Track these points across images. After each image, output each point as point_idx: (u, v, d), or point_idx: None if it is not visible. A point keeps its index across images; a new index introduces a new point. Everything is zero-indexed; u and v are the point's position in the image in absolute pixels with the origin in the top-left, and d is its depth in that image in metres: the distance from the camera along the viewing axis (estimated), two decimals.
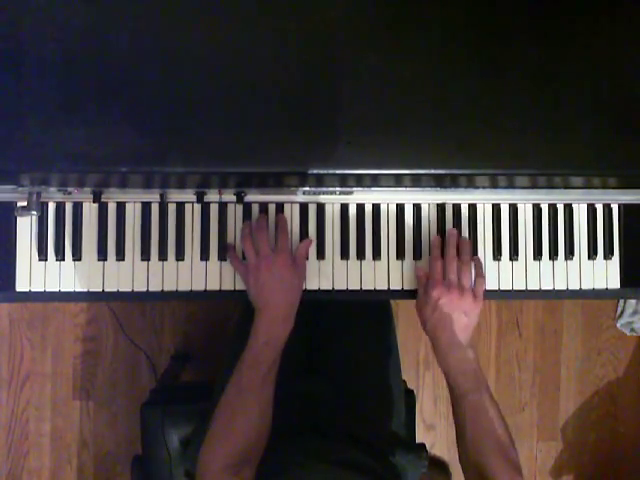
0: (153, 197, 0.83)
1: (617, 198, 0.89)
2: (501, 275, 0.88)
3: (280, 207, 0.85)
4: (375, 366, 1.01)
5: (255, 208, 0.85)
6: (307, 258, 0.84)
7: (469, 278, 0.81)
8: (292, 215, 0.86)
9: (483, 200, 0.88)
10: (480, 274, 0.83)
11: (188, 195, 0.83)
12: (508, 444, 0.73)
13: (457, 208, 0.87)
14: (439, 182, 0.82)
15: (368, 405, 0.96)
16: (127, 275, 0.83)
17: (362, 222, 0.86)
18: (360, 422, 0.92)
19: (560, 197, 0.88)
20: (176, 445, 1.07)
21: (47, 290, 0.83)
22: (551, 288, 0.89)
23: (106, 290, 0.83)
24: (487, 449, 0.72)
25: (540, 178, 0.80)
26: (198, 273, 0.84)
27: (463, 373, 0.77)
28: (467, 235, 0.88)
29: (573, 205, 0.89)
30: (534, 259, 0.89)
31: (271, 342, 0.76)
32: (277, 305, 0.78)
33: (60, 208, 0.82)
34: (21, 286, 0.82)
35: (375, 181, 0.81)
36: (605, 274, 0.90)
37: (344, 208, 0.86)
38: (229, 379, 0.76)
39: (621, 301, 1.70)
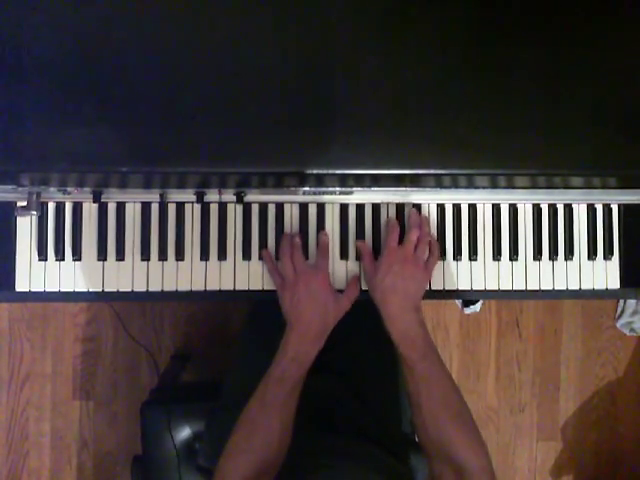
0: (153, 197, 0.83)
1: (617, 198, 0.89)
2: (501, 275, 0.88)
3: (280, 207, 0.85)
4: (383, 364, 1.02)
5: (255, 208, 0.85)
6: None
7: (424, 251, 0.82)
8: (292, 215, 0.86)
9: (483, 200, 0.88)
10: (434, 254, 0.83)
11: (188, 195, 0.83)
12: (465, 413, 0.73)
13: (457, 208, 0.87)
14: (439, 182, 0.82)
15: (380, 404, 0.97)
16: (127, 275, 0.83)
17: (362, 222, 0.86)
18: (373, 420, 0.92)
19: (560, 197, 0.88)
20: (180, 444, 1.07)
21: (47, 290, 0.83)
22: (551, 288, 0.89)
23: (106, 290, 0.83)
24: (445, 421, 0.71)
25: (540, 178, 0.80)
26: (198, 273, 0.84)
27: (413, 339, 0.76)
28: (467, 235, 0.88)
29: (573, 205, 0.89)
30: (534, 259, 0.89)
31: (298, 359, 0.76)
32: (309, 322, 0.77)
33: (60, 208, 0.82)
34: (21, 286, 0.82)
35: (375, 181, 0.81)
36: (605, 274, 0.90)
37: (344, 208, 0.86)
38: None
39: (621, 301, 1.70)
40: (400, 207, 0.87)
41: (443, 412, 0.72)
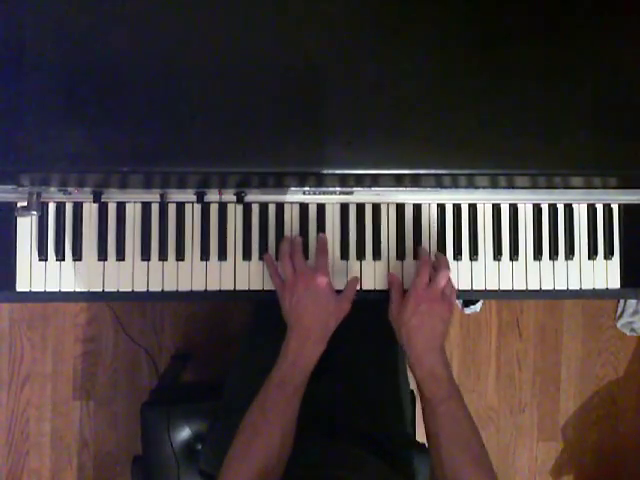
0: (153, 197, 0.83)
1: (617, 198, 0.89)
2: (501, 275, 0.88)
3: (280, 207, 0.85)
4: (384, 366, 1.01)
5: (255, 208, 0.85)
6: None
7: (449, 286, 0.80)
8: (292, 215, 0.86)
9: (483, 200, 0.88)
10: (451, 282, 0.82)
11: (188, 195, 0.83)
12: (484, 457, 0.72)
13: (457, 208, 0.87)
14: (439, 182, 0.82)
15: (380, 405, 0.96)
16: (127, 275, 0.83)
17: (362, 222, 0.86)
18: (374, 422, 0.92)
19: (560, 197, 0.88)
20: (180, 444, 1.07)
21: (47, 290, 0.83)
22: (551, 288, 0.89)
23: (106, 290, 0.83)
24: (463, 463, 0.70)
25: (540, 178, 0.80)
26: (198, 273, 0.84)
27: (438, 380, 0.75)
28: (467, 235, 0.88)
29: (573, 205, 0.89)
30: (534, 259, 0.89)
31: (299, 362, 0.75)
32: (310, 325, 0.77)
33: (60, 208, 0.82)
34: (21, 286, 0.82)
35: (375, 181, 0.81)
36: (605, 274, 0.90)
37: (344, 208, 0.86)
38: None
39: (621, 301, 1.70)
40: (400, 207, 0.87)
41: (462, 455, 0.71)
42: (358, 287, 0.85)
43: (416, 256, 0.86)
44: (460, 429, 0.73)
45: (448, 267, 0.82)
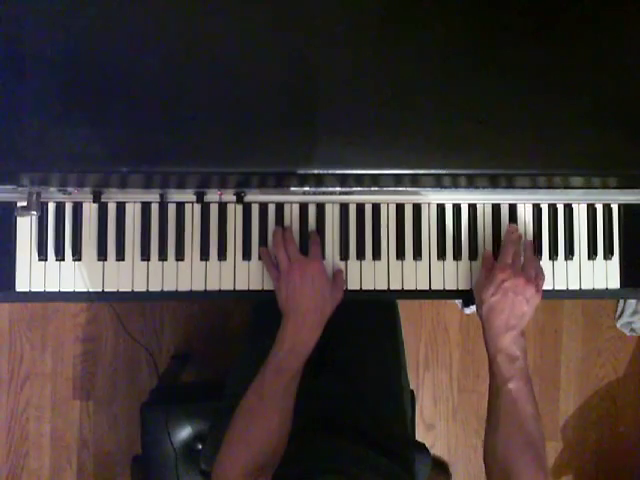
0: (153, 197, 0.83)
1: (617, 198, 0.89)
2: None
3: (280, 207, 0.85)
4: (384, 365, 1.02)
5: (255, 208, 0.85)
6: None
7: (535, 269, 0.81)
8: (292, 215, 0.86)
9: (483, 200, 0.88)
10: (541, 270, 0.83)
11: (188, 195, 0.83)
12: (540, 444, 0.71)
13: (457, 208, 0.87)
14: (439, 182, 0.82)
15: (379, 404, 0.97)
16: (127, 275, 0.83)
17: (362, 222, 0.86)
18: (374, 422, 0.92)
19: (560, 197, 0.88)
20: (180, 444, 1.07)
21: (47, 290, 0.83)
22: (551, 288, 0.89)
23: (106, 290, 0.83)
24: (516, 445, 0.70)
25: (540, 178, 0.80)
26: (198, 273, 0.84)
27: (510, 359, 0.74)
28: (467, 235, 0.88)
29: (573, 205, 0.89)
30: None
31: (295, 349, 0.76)
32: (305, 311, 0.77)
33: (60, 208, 0.82)
34: (21, 286, 0.82)
35: (375, 181, 0.81)
36: (605, 274, 0.90)
37: (344, 208, 0.86)
38: (249, 383, 0.75)
39: (621, 301, 1.70)
40: (400, 207, 0.87)
41: (517, 436, 0.70)
42: (358, 287, 0.85)
43: (416, 256, 0.86)
44: (520, 412, 0.72)
45: (532, 248, 0.84)
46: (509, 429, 0.71)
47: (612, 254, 0.90)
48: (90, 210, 0.83)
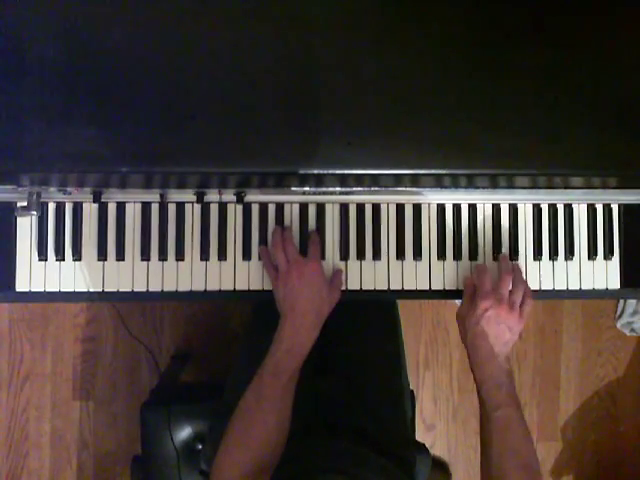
0: (153, 197, 0.83)
1: (617, 198, 0.89)
2: None
3: (280, 207, 0.85)
4: (384, 365, 1.02)
5: (255, 208, 0.85)
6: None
7: (520, 296, 0.80)
8: (292, 215, 0.86)
9: (483, 200, 0.88)
10: (528, 295, 0.81)
11: (188, 195, 0.83)
12: (535, 465, 0.71)
13: (457, 208, 0.87)
14: (439, 182, 0.82)
15: (379, 405, 0.97)
16: (127, 275, 0.83)
17: (362, 222, 0.86)
18: (374, 422, 0.92)
19: (560, 197, 0.88)
20: (180, 444, 1.07)
21: (47, 290, 0.83)
22: (551, 288, 0.89)
23: (106, 290, 0.83)
24: (511, 468, 0.70)
25: (540, 178, 0.80)
26: (198, 273, 0.84)
27: (498, 386, 0.75)
28: (467, 235, 0.88)
29: (573, 205, 0.89)
30: (534, 259, 0.89)
31: (293, 350, 0.75)
32: (303, 312, 0.77)
33: (60, 208, 0.82)
34: (21, 286, 0.82)
35: (375, 181, 0.81)
36: (605, 274, 0.90)
37: (344, 208, 0.86)
38: (248, 384, 0.75)
39: (621, 301, 1.70)
40: (400, 207, 0.87)
41: (511, 460, 0.71)
42: (358, 287, 0.85)
43: (416, 256, 0.86)
44: (513, 436, 0.72)
45: (511, 269, 0.82)
46: (502, 453, 0.71)
47: (612, 254, 0.90)
48: (90, 210, 0.83)
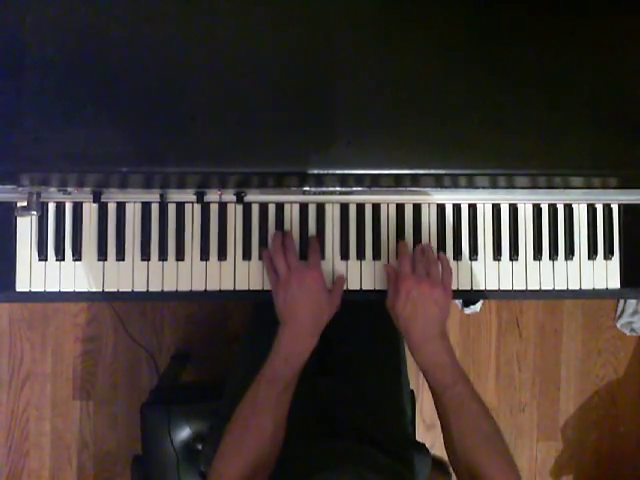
0: (153, 197, 0.83)
1: (617, 198, 0.89)
2: (501, 275, 0.88)
3: (280, 207, 0.85)
4: (384, 365, 1.01)
5: (255, 208, 0.85)
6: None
7: (437, 270, 0.81)
8: (292, 215, 0.86)
9: (483, 200, 0.88)
10: (447, 267, 0.82)
11: (188, 195, 0.83)
12: (496, 437, 0.71)
13: (457, 208, 0.87)
14: (439, 182, 0.82)
15: (380, 405, 0.97)
16: (127, 275, 0.83)
17: (362, 222, 0.86)
18: (374, 422, 0.92)
19: (560, 197, 0.88)
20: (180, 444, 1.07)
21: (47, 290, 0.83)
22: (551, 288, 0.89)
23: (106, 290, 0.83)
24: (474, 445, 0.70)
25: (540, 178, 0.80)
26: (198, 273, 0.84)
27: (440, 367, 0.75)
28: (467, 235, 0.88)
29: (573, 205, 0.89)
30: (534, 259, 0.89)
31: (290, 359, 0.75)
32: (302, 320, 0.77)
33: (60, 208, 0.82)
34: (21, 286, 0.82)
35: (375, 181, 0.81)
36: (605, 274, 0.90)
37: (344, 208, 0.86)
38: (245, 391, 0.75)
39: (621, 301, 1.70)
40: (400, 207, 0.87)
41: (472, 437, 0.70)
42: (358, 287, 0.85)
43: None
44: (468, 413, 0.72)
45: (421, 248, 0.83)
46: (461, 432, 0.71)
47: (612, 254, 0.90)
48: (90, 210, 0.83)
